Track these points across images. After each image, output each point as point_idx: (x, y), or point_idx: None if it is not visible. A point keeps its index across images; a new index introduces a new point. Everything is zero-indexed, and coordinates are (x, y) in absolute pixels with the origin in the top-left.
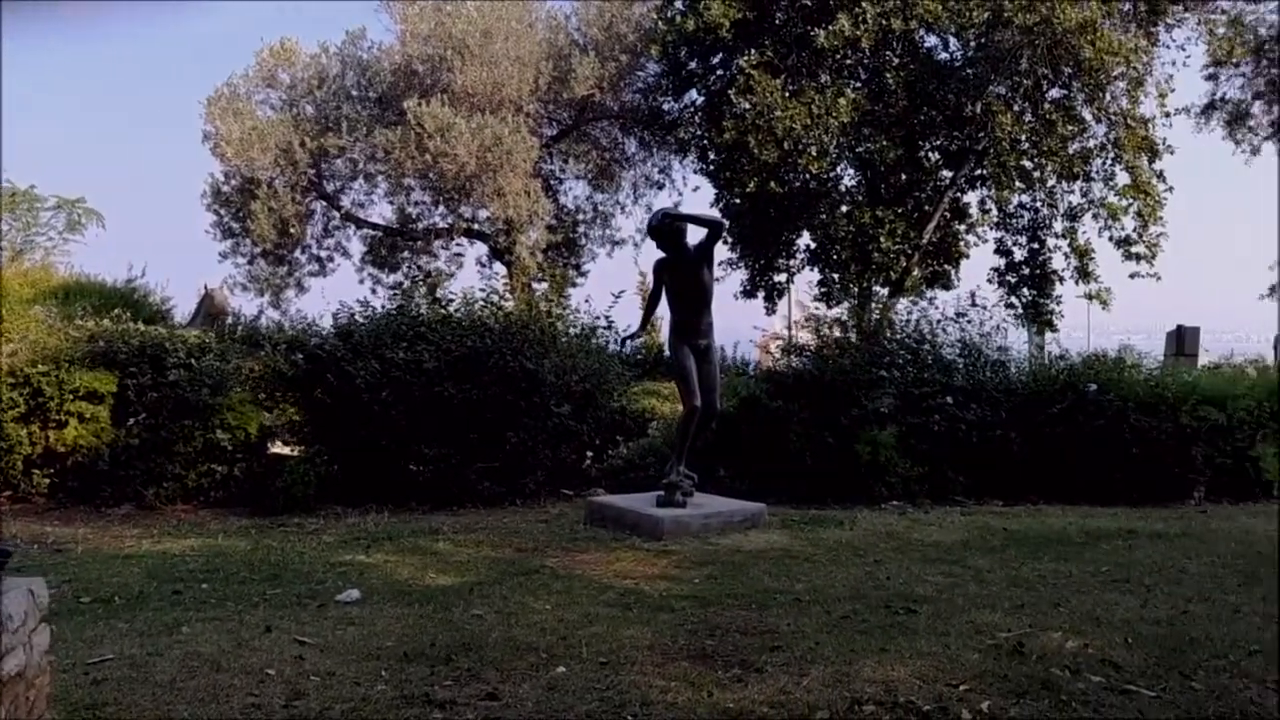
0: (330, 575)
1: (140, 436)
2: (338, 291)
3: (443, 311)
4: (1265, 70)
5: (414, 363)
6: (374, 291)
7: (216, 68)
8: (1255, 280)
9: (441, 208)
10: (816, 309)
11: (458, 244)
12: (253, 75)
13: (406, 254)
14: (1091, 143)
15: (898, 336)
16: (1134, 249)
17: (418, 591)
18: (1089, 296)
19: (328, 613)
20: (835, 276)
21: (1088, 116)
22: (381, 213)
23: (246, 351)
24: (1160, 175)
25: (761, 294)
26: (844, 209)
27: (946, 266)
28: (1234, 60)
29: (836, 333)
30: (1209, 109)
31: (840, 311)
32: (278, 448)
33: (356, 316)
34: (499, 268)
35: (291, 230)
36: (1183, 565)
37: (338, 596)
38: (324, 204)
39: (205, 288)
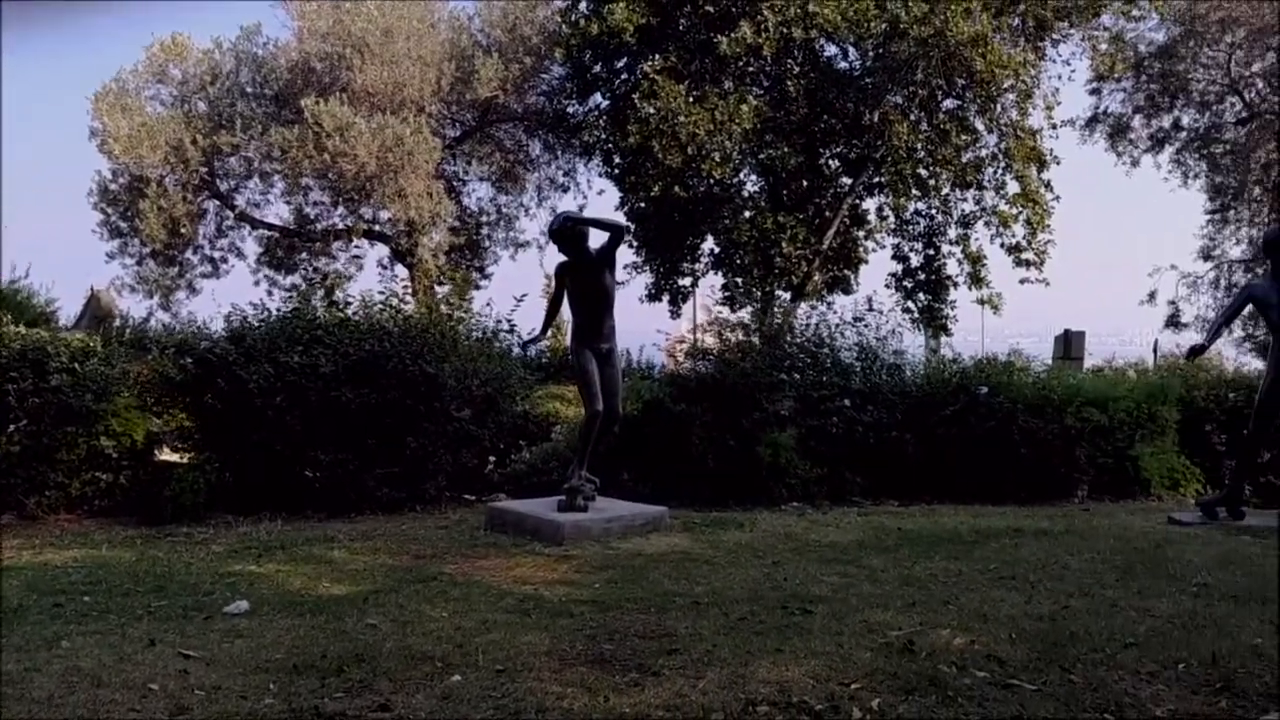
0: (218, 586)
1: (21, 444)
2: (232, 294)
3: (341, 314)
4: (1145, 85)
5: (310, 366)
6: (270, 294)
7: (105, 62)
8: (1137, 286)
9: (341, 208)
10: (720, 313)
11: (357, 246)
12: (142, 70)
13: (304, 255)
14: (983, 152)
15: (798, 340)
16: (1024, 255)
17: (310, 601)
18: (981, 301)
19: (215, 625)
20: (738, 281)
21: (980, 127)
22: (278, 213)
23: (134, 355)
24: (1048, 185)
25: (666, 297)
26: (747, 214)
27: (846, 271)
28: (1116, 75)
29: (739, 336)
30: (1093, 122)
31: (743, 315)
32: (166, 455)
33: (250, 319)
34: (401, 270)
35: (182, 230)
36: (1065, 562)
37: (226, 608)
38: (217, 203)
39: (92, 289)
